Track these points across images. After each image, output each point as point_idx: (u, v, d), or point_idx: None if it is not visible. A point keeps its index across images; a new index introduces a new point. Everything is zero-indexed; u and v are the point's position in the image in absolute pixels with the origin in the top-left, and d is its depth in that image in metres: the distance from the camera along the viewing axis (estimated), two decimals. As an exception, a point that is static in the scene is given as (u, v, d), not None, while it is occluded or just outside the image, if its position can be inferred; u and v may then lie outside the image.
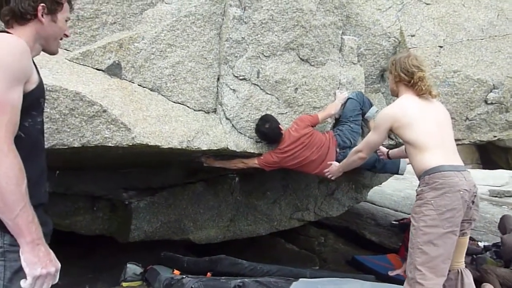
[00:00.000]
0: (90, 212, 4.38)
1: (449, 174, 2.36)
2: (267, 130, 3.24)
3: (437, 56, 3.66)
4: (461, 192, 2.33)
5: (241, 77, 3.23)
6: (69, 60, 2.73)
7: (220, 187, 4.87)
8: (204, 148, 3.00)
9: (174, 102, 3.09)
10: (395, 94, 2.80)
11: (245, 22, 3.18)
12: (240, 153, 3.29)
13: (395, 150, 3.21)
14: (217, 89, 3.26)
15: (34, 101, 1.37)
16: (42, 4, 1.44)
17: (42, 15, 1.45)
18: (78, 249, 4.75)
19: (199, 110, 3.18)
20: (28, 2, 1.41)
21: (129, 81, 2.94)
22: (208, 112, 3.23)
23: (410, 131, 2.51)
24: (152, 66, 3.02)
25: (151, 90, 3.01)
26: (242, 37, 3.19)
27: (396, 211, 7.35)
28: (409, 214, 6.72)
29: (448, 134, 2.60)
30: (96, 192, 4.32)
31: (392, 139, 3.74)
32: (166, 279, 3.39)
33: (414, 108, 2.58)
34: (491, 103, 3.74)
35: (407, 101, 2.62)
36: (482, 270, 4.38)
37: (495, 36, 3.85)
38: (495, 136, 3.91)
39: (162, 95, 3.05)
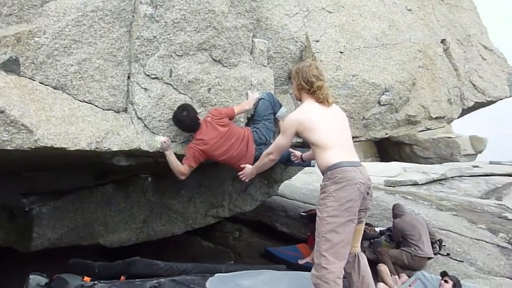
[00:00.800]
0: (-17, 222, 3.96)
1: (347, 169, 2.64)
2: (184, 118, 3.23)
3: (338, 61, 3.97)
4: (358, 185, 2.61)
5: (153, 76, 3.18)
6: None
7: (131, 188, 4.72)
8: (115, 149, 2.90)
9: (80, 101, 2.92)
10: (299, 99, 3.05)
11: (156, 20, 3.14)
12: (153, 153, 3.23)
13: (307, 153, 3.44)
14: (128, 87, 3.16)
15: None
16: None
17: None
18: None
19: (108, 110, 3.06)
20: None
21: (29, 79, 2.72)
22: (119, 112, 3.12)
23: (313, 133, 2.76)
24: (56, 63, 2.83)
25: (54, 89, 2.82)
26: (154, 36, 3.14)
27: (305, 203, 7.72)
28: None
29: (346, 134, 2.89)
30: (-11, 199, 3.91)
31: (299, 136, 3.99)
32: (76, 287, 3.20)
33: (315, 113, 2.83)
34: (384, 105, 4.18)
35: (309, 106, 2.88)
36: (377, 252, 4.91)
37: (387, 44, 4.30)
38: (387, 134, 4.37)
39: (67, 94, 2.87)
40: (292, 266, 4.70)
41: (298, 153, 3.51)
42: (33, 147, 2.40)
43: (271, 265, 4.31)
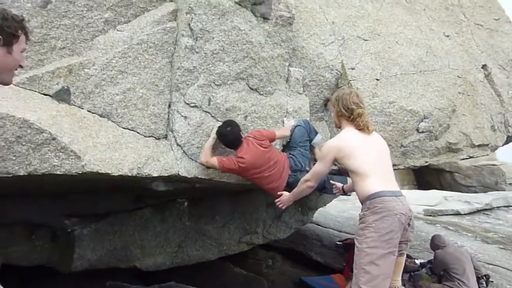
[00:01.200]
0: (29, 241, 4.14)
1: (387, 199, 2.58)
2: (228, 133, 3.29)
3: (375, 88, 3.97)
4: (398, 216, 2.55)
5: (192, 104, 3.30)
6: (15, 85, 2.65)
7: (168, 212, 4.82)
8: (155, 174, 3.00)
9: (124, 128, 3.07)
10: (338, 126, 3.06)
11: (196, 52, 3.28)
12: (191, 179, 3.31)
13: (349, 184, 3.43)
14: (168, 115, 3.29)
15: None
16: None
17: None
18: (13, 281, 4.44)
19: (149, 136, 3.19)
20: None
21: (78, 107, 2.90)
22: (159, 138, 3.24)
23: (352, 161, 2.74)
24: (103, 92, 3.00)
25: (100, 116, 2.98)
26: (194, 66, 3.28)
27: (340, 231, 7.57)
28: (352, 234, 7.03)
29: (386, 162, 2.84)
30: (35, 220, 4.09)
31: (335, 164, 3.97)
32: (113, 309, 3.27)
33: (355, 140, 2.83)
34: (422, 132, 4.10)
35: (348, 133, 2.88)
36: (418, 287, 4.69)
37: (425, 71, 4.26)
38: (426, 162, 4.26)
39: (112, 121, 3.03)
40: (328, 297, 4.60)
41: (339, 185, 3.52)
42: (80, 172, 2.54)
43: (306, 295, 4.22)
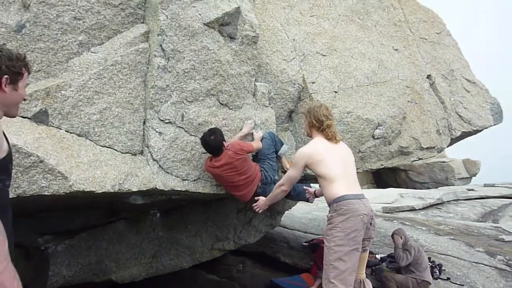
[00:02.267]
0: (1, 262, 4.10)
1: (352, 202, 2.91)
2: (211, 141, 3.52)
3: (333, 99, 4.30)
4: (361, 216, 2.87)
5: (166, 121, 3.47)
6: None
7: (141, 224, 4.91)
8: (135, 189, 3.15)
9: (102, 146, 3.20)
10: (309, 135, 3.37)
11: (169, 71, 3.46)
12: (167, 192, 3.48)
13: (319, 189, 3.63)
14: (144, 132, 3.44)
15: (3, 168, 1.50)
16: (5, 76, 1.59)
17: (5, 86, 1.59)
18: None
19: (126, 153, 3.33)
20: None
21: (57, 128, 3.01)
22: (135, 154, 3.39)
23: (321, 167, 3.04)
24: (80, 113, 3.12)
25: (78, 136, 3.10)
26: (167, 85, 3.46)
27: (306, 232, 7.84)
28: (317, 234, 7.37)
29: (351, 169, 3.18)
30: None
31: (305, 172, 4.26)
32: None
33: (324, 148, 3.14)
34: (377, 138, 4.48)
35: (318, 142, 3.20)
36: (383, 278, 5.07)
37: (378, 82, 4.66)
38: (382, 165, 4.65)
39: (90, 140, 3.15)
40: (298, 295, 4.85)
41: (311, 189, 3.79)
42: (68, 191, 2.65)
43: (278, 295, 4.46)
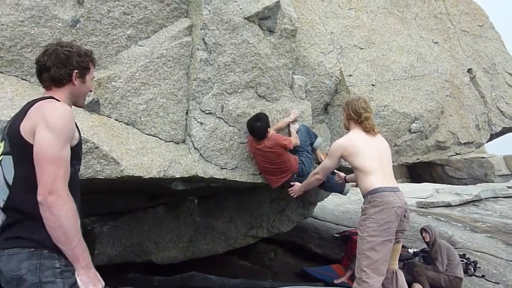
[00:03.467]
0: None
1: (386, 194, 2.97)
2: (256, 127, 3.71)
3: (371, 93, 4.33)
4: (395, 208, 2.93)
5: (207, 112, 3.63)
6: (52, 98, 2.97)
7: (179, 209, 5.15)
8: (178, 176, 3.33)
9: (147, 134, 3.40)
10: (347, 128, 3.41)
11: (210, 64, 3.61)
12: (207, 179, 3.66)
13: (351, 175, 3.74)
14: (186, 122, 3.62)
15: (75, 154, 1.69)
16: (75, 71, 1.78)
17: (75, 79, 1.78)
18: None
19: (170, 141, 3.52)
20: (65, 70, 1.75)
21: (107, 116, 3.22)
22: (178, 143, 3.58)
23: (357, 158, 3.11)
24: (128, 103, 3.32)
25: (126, 124, 3.31)
26: (208, 77, 3.61)
27: (337, 224, 7.90)
28: (348, 227, 7.42)
29: (387, 161, 3.22)
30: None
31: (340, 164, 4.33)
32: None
33: (361, 140, 3.19)
34: (414, 132, 4.47)
35: (355, 134, 3.25)
36: (414, 273, 5.08)
37: (416, 76, 4.63)
38: (418, 159, 4.64)
39: (137, 129, 3.36)
40: (328, 285, 4.96)
41: (342, 174, 3.85)
42: (119, 176, 2.87)
43: (310, 283, 4.59)
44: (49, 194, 1.53)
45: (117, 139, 3.03)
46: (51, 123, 1.59)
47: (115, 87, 3.27)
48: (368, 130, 3.22)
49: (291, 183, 3.77)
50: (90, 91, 1.96)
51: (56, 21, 3.18)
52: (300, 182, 3.66)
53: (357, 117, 3.24)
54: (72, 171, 1.66)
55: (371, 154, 3.12)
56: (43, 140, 1.57)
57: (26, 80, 3.07)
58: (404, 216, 3.04)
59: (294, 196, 3.71)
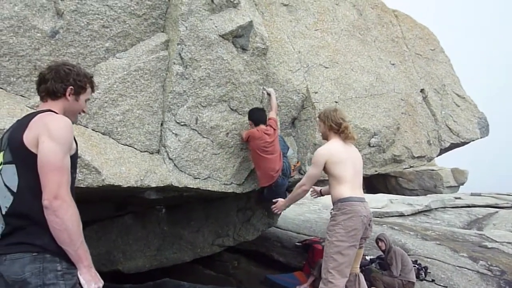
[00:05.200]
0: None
1: (355, 204, 3.24)
2: (258, 113, 4.06)
3: (334, 109, 4.63)
4: (362, 217, 3.21)
5: (182, 123, 3.77)
6: (30, 107, 3.01)
7: (147, 218, 5.19)
8: (153, 185, 3.44)
9: (123, 144, 3.49)
10: (325, 138, 3.61)
11: (186, 78, 3.77)
12: (181, 189, 3.78)
13: (326, 187, 3.88)
14: (161, 133, 3.74)
15: (73, 163, 1.80)
16: (70, 87, 1.89)
17: (69, 95, 1.90)
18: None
19: (145, 151, 3.62)
20: (61, 84, 1.86)
21: (84, 126, 3.29)
22: (153, 153, 3.68)
23: (337, 167, 3.33)
24: (105, 113, 3.41)
25: (103, 134, 3.38)
26: (184, 90, 3.76)
27: (298, 233, 8.11)
28: (309, 235, 7.68)
29: (359, 172, 3.48)
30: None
31: (301, 174, 4.59)
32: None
33: (341, 150, 3.42)
34: (373, 146, 4.82)
35: (335, 144, 3.46)
36: (371, 278, 5.41)
37: (375, 94, 5.00)
38: (376, 171, 4.99)
39: (113, 139, 3.44)
40: (292, 291, 5.16)
41: (317, 188, 4.02)
42: (100, 185, 2.94)
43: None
44: (55, 199, 1.64)
45: (96, 148, 3.11)
46: (54, 134, 1.70)
47: (92, 97, 3.33)
48: (350, 137, 3.43)
49: (274, 200, 3.83)
50: (83, 112, 2.07)
51: (35, 32, 3.23)
52: (284, 183, 3.81)
53: (338, 127, 3.44)
54: (71, 178, 1.77)
55: (347, 164, 3.35)
56: (47, 149, 1.68)
57: (2, 88, 3.09)
58: (369, 224, 3.33)
59: (278, 212, 3.80)
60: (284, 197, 4.21)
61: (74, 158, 1.85)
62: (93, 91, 2.05)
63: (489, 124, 6.28)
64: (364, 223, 3.24)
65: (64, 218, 1.65)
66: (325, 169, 3.44)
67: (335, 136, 3.50)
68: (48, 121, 1.75)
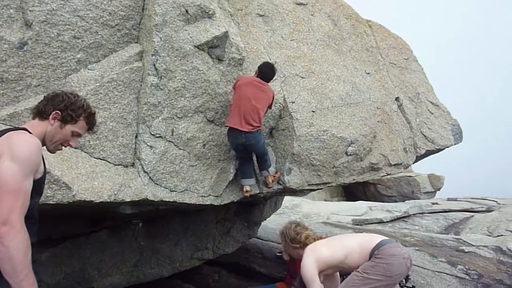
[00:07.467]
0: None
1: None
2: (267, 67, 4.29)
3: (311, 118, 4.65)
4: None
5: (157, 135, 3.70)
6: (-4, 121, 2.89)
7: (123, 233, 5.04)
8: (128, 199, 3.34)
9: (96, 158, 3.39)
10: (300, 256, 3.30)
11: (161, 89, 3.70)
12: (156, 203, 3.69)
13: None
14: (135, 145, 3.65)
15: (37, 187, 1.70)
16: (56, 111, 1.79)
17: (53, 119, 1.80)
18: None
19: (118, 165, 3.52)
20: (49, 106, 1.77)
21: (54, 140, 3.17)
22: (127, 166, 3.59)
23: (338, 257, 3.21)
24: (76, 126, 3.29)
25: (75, 148, 3.27)
26: (158, 101, 3.69)
27: (279, 243, 8.06)
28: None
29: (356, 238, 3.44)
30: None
31: (280, 184, 4.56)
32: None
33: (325, 245, 3.25)
34: (350, 155, 4.85)
35: (314, 247, 3.25)
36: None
37: (351, 103, 5.05)
38: (354, 179, 5.01)
39: (85, 152, 3.33)
40: (274, 302, 5.09)
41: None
42: (71, 201, 2.82)
43: (256, 302, 4.69)
44: (2, 225, 1.53)
45: (67, 163, 3.00)
46: (17, 155, 1.61)
47: (63, 110, 3.24)
48: (317, 238, 3.28)
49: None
50: (68, 145, 1.95)
51: (2, 43, 3.12)
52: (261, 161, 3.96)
53: (299, 242, 3.31)
54: (31, 203, 1.67)
55: (346, 239, 3.35)
56: (5, 170, 1.58)
57: (-33, 101, 2.96)
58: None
59: None
60: (263, 154, 4.20)
61: (40, 182, 1.75)
62: (90, 129, 1.93)
63: (462, 130, 6.42)
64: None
65: (9, 246, 1.53)
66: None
67: (305, 247, 3.25)
68: (15, 140, 1.65)
